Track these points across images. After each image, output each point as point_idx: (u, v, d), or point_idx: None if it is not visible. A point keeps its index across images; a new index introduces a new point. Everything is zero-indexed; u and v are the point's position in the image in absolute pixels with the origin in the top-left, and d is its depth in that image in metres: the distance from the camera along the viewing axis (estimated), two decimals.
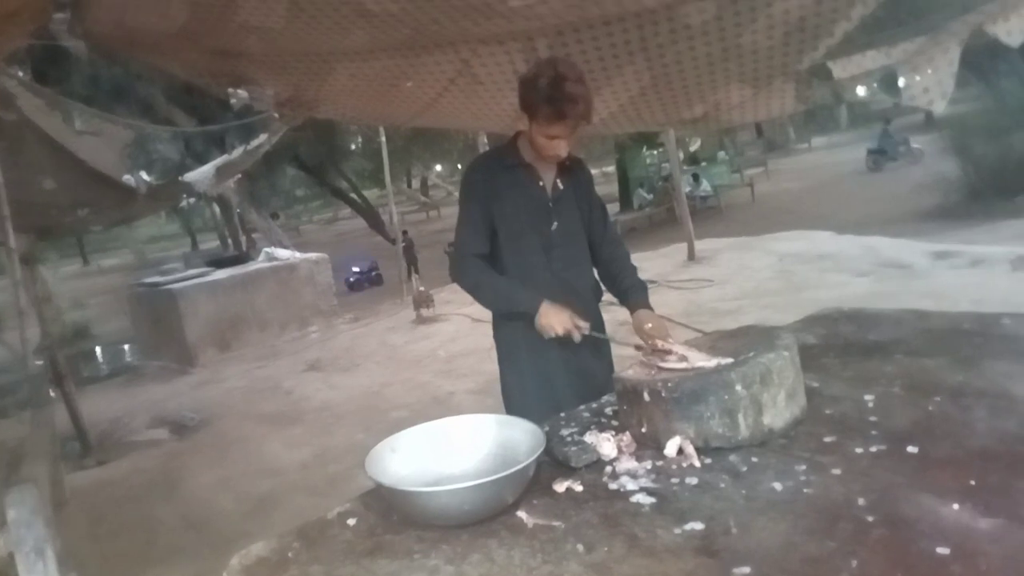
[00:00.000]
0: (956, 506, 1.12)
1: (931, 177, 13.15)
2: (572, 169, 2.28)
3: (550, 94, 2.01)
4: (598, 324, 2.32)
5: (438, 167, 33.52)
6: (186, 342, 7.86)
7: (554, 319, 2.05)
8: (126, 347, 9.92)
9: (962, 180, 12.99)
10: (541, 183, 2.23)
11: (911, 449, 1.33)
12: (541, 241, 2.22)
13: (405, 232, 16.74)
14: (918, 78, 3.03)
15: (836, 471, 1.29)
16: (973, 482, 1.19)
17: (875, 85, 3.29)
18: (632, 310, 2.21)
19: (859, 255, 7.55)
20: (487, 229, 2.21)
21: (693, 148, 19.09)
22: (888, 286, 6.15)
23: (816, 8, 2.74)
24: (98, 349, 11.35)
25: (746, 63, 3.13)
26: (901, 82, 3.05)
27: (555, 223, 2.23)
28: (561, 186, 2.26)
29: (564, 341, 2.11)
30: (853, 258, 7.46)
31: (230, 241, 13.47)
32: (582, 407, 1.87)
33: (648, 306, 2.21)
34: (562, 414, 1.84)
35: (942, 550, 1.01)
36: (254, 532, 3.46)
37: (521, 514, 1.32)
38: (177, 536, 3.84)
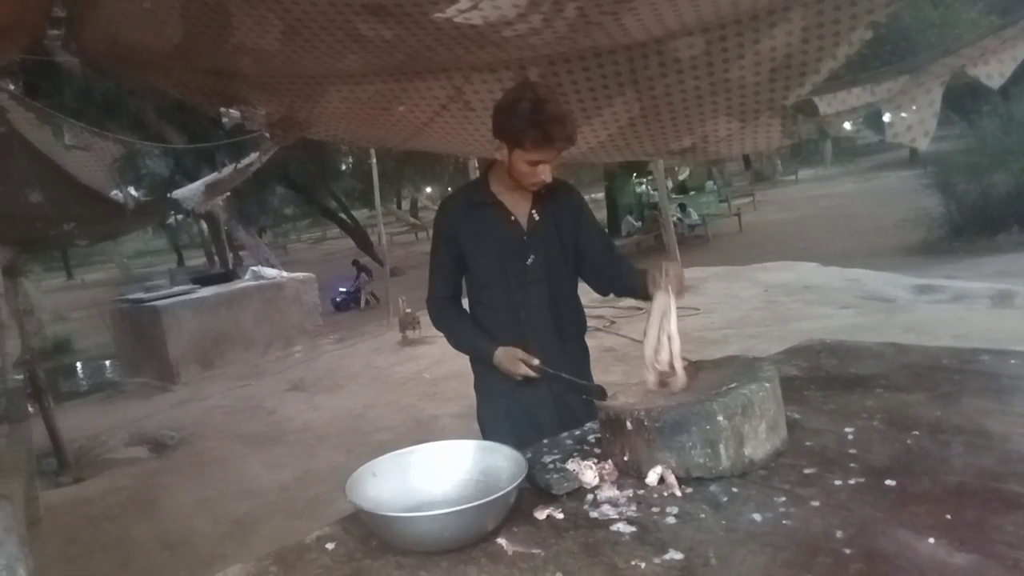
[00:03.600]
0: (932, 541, 1.13)
1: (915, 212, 13.33)
2: (554, 196, 2.21)
3: (534, 117, 1.94)
4: (580, 357, 2.31)
5: (428, 189, 33.60)
6: (168, 359, 7.79)
7: (508, 366, 2.09)
8: (107, 363, 9.84)
9: (945, 216, 13.19)
10: (513, 218, 2.18)
11: (889, 483, 1.34)
12: (516, 279, 2.17)
13: (355, 262, 16.74)
14: (903, 115, 3.09)
15: (815, 503, 1.30)
16: (949, 517, 1.20)
17: (860, 121, 3.35)
18: (642, 280, 2.04)
19: (843, 287, 7.62)
20: (456, 271, 2.23)
21: (682, 177, 19.27)
22: (871, 319, 6.20)
23: (802, 46, 2.80)
24: (79, 364, 11.23)
25: (734, 97, 3.17)
26: (885, 119, 3.11)
27: (531, 257, 2.17)
28: (537, 217, 2.19)
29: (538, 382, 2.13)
30: (838, 290, 7.53)
31: (216, 258, 13.43)
32: (564, 434, 1.88)
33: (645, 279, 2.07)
34: (544, 441, 1.84)
35: None
36: (231, 555, 3.42)
37: (501, 541, 1.32)
38: (152, 557, 3.78)
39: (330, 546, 1.39)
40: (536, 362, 2.07)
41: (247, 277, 9.02)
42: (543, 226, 2.20)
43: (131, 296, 8.79)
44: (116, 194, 5.28)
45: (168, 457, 5.46)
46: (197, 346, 7.98)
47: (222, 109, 3.73)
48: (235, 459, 5.13)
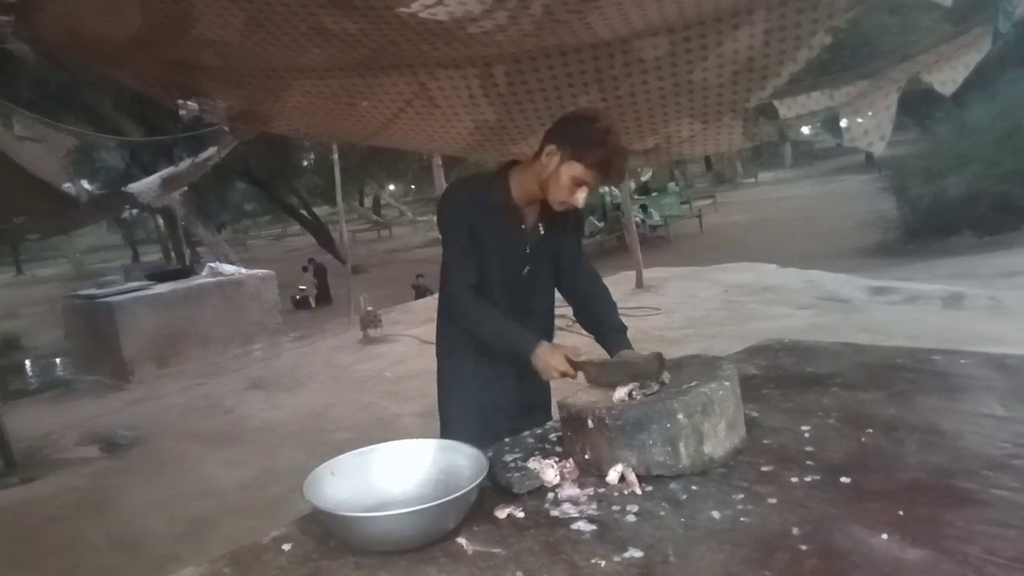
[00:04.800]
0: (886, 537, 1.15)
1: (871, 215, 13.65)
2: (563, 216, 2.17)
3: (607, 140, 1.91)
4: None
5: (391, 187, 33.43)
6: (122, 357, 7.61)
7: (552, 361, 1.93)
8: (58, 361, 9.59)
9: (899, 220, 13.55)
10: (524, 227, 2.13)
11: (845, 480, 1.36)
12: (510, 287, 2.13)
13: (311, 260, 16.62)
14: (859, 120, 3.16)
15: (773, 501, 1.32)
16: (902, 513, 1.22)
17: (818, 125, 3.41)
18: (612, 352, 2.07)
19: (801, 288, 7.75)
20: (476, 259, 2.09)
21: (644, 178, 19.48)
22: (828, 319, 6.32)
23: (764, 49, 2.84)
24: (28, 362, 10.94)
25: (697, 99, 3.21)
26: (843, 123, 3.18)
27: (527, 267, 2.15)
28: (543, 230, 2.16)
29: (508, 376, 2.11)
30: (796, 291, 7.66)
31: (173, 254, 13.17)
32: (526, 432, 1.87)
33: (629, 346, 2.09)
34: (506, 440, 1.84)
35: None
36: (186, 556, 3.34)
37: (461, 540, 1.31)
38: (105, 558, 3.69)
39: (287, 547, 1.36)
40: (583, 357, 1.92)
41: (205, 273, 8.85)
42: (546, 242, 2.17)
43: (84, 292, 8.56)
44: (69, 187, 5.15)
45: (122, 456, 5.33)
46: (152, 343, 7.81)
47: (180, 101, 3.65)
48: (192, 458, 5.03)
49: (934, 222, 12.81)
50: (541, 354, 1.95)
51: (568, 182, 1.95)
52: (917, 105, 14.13)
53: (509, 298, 2.13)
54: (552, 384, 2.24)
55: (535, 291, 2.20)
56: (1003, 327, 5.31)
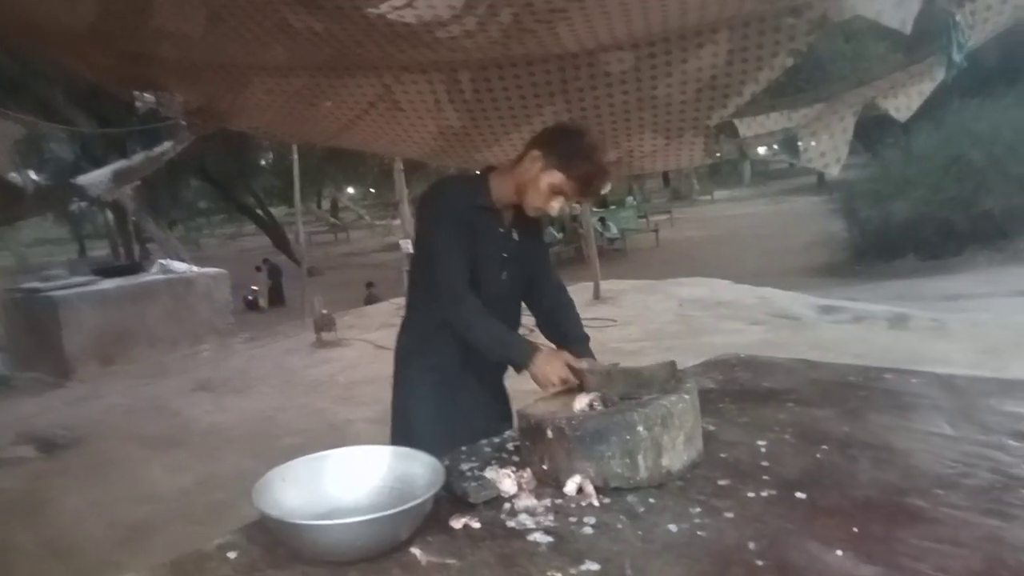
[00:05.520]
0: (840, 553, 1.16)
1: (821, 236, 13.99)
2: (535, 223, 2.20)
3: (592, 155, 1.97)
4: (500, 379, 2.28)
5: (350, 190, 33.10)
6: (64, 354, 7.35)
7: (550, 370, 1.88)
8: None
9: (848, 241, 13.93)
10: (502, 231, 2.13)
11: (800, 495, 1.37)
12: (489, 293, 2.09)
13: (266, 260, 16.40)
14: (813, 143, 3.23)
15: (729, 515, 1.32)
16: (856, 530, 1.23)
17: (775, 147, 3.48)
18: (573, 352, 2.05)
19: (754, 304, 7.89)
20: (467, 260, 2.03)
21: (603, 192, 19.63)
22: (779, 335, 6.44)
23: (727, 68, 2.88)
24: None
25: (660, 114, 3.24)
26: (800, 144, 3.24)
27: (505, 273, 2.15)
28: (517, 237, 2.16)
29: (470, 383, 2.09)
30: (748, 307, 7.79)
31: (122, 250, 12.83)
32: (484, 441, 1.85)
33: (591, 355, 2.09)
34: (463, 448, 1.81)
35: None
36: (125, 562, 3.24)
37: (415, 551, 1.28)
38: (38, 564, 3.54)
39: (232, 555, 1.31)
40: (585, 366, 1.87)
41: (155, 271, 8.63)
42: (521, 247, 2.18)
43: (26, 286, 8.27)
44: (15, 177, 4.98)
45: (59, 458, 5.13)
46: (96, 341, 7.57)
47: (136, 93, 3.56)
48: (133, 461, 4.87)
49: (881, 244, 13.21)
50: (540, 362, 1.90)
51: (546, 189, 1.98)
52: (867, 130, 14.56)
53: (487, 304, 2.08)
54: (511, 392, 2.23)
55: (511, 298, 2.20)
56: (946, 348, 5.47)
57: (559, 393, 1.78)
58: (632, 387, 1.71)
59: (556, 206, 2.02)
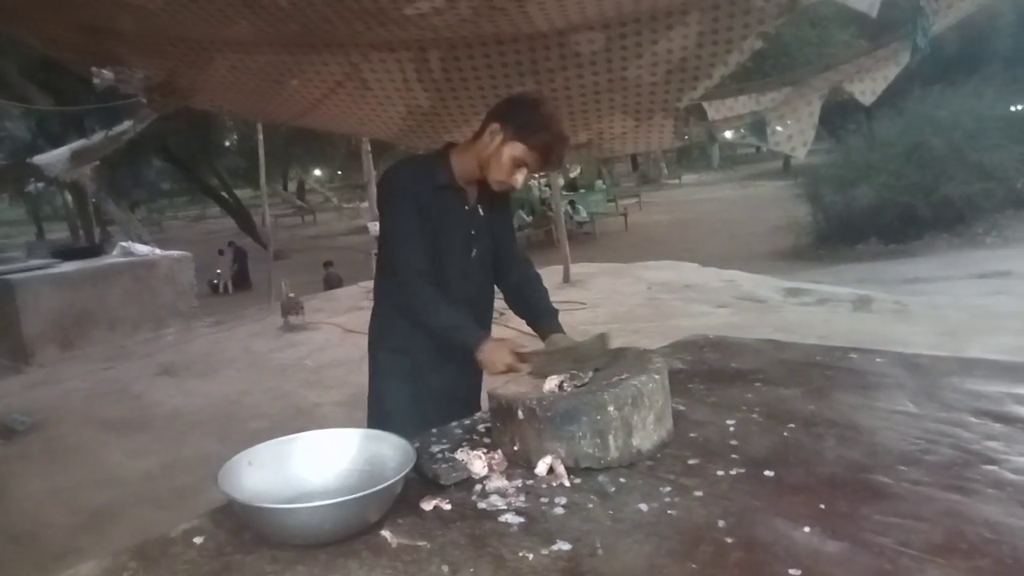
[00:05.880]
0: (807, 529, 1.18)
1: (786, 220, 14.17)
2: (500, 198, 2.18)
3: (550, 125, 1.95)
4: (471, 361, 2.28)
5: (317, 171, 32.69)
6: (22, 338, 7.17)
7: (497, 357, 1.91)
8: None
9: (812, 225, 14.13)
10: (467, 208, 2.11)
11: (768, 473, 1.39)
12: (457, 271, 2.09)
13: (231, 243, 16.19)
14: (779, 128, 3.26)
15: (699, 493, 1.33)
16: (823, 507, 1.25)
17: (743, 131, 3.50)
18: (544, 336, 2.10)
19: (720, 287, 7.97)
20: (426, 243, 2.02)
21: (573, 175, 19.66)
22: (745, 317, 6.52)
23: (697, 50, 2.88)
24: None
25: (630, 96, 3.23)
26: (768, 129, 3.27)
27: (474, 250, 2.13)
28: (482, 212, 2.14)
29: (443, 366, 2.08)
30: (715, 290, 7.87)
31: (82, 232, 12.53)
32: (454, 423, 1.84)
33: (561, 330, 2.11)
34: (433, 430, 1.80)
35: (794, 572, 1.06)
36: (86, 548, 3.18)
37: (385, 533, 1.27)
38: None
39: (198, 540, 1.29)
40: (527, 349, 1.91)
41: (116, 253, 8.43)
42: (486, 223, 2.16)
43: None
44: None
45: (18, 443, 5.02)
46: (56, 324, 7.39)
47: (94, 69, 3.44)
48: (95, 446, 4.77)
49: (844, 229, 13.42)
50: (487, 349, 1.94)
51: (509, 162, 1.97)
52: (831, 117, 14.78)
53: (458, 282, 2.10)
54: (486, 375, 2.23)
55: (483, 274, 2.20)
56: (907, 330, 5.59)
57: (546, 374, 1.77)
58: (569, 363, 1.72)
59: (520, 179, 2.00)
